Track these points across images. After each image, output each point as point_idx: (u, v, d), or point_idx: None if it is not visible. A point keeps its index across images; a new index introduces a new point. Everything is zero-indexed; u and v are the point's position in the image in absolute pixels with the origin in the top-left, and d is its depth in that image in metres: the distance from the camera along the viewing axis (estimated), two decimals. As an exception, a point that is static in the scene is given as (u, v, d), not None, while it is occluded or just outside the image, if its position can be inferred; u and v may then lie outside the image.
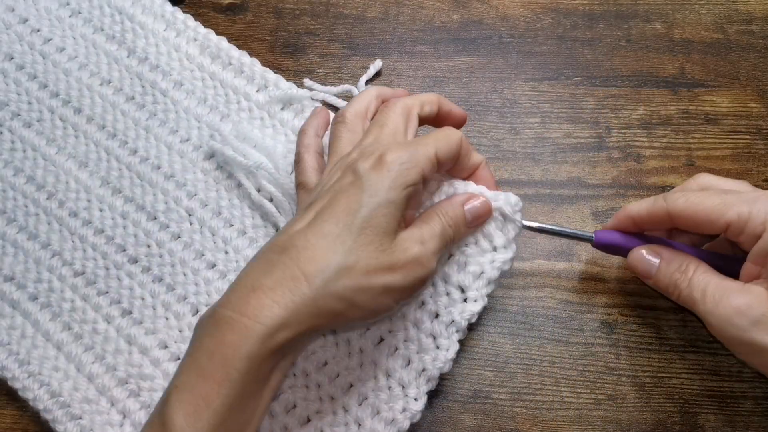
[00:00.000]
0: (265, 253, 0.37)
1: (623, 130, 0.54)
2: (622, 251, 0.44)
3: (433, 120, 0.44)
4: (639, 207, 0.42)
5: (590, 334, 0.47)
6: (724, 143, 0.53)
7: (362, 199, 0.36)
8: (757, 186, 0.51)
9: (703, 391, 0.46)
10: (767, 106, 0.54)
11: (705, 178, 0.43)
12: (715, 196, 0.39)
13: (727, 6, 0.58)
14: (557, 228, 0.44)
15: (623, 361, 0.47)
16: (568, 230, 0.45)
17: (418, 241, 0.37)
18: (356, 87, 0.53)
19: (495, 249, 0.42)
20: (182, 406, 0.34)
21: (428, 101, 0.43)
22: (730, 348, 0.40)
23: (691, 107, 0.54)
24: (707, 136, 0.53)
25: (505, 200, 0.42)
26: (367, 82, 0.54)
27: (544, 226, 0.44)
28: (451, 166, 0.42)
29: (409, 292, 0.38)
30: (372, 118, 0.43)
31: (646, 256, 0.42)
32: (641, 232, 0.44)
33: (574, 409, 0.46)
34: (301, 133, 0.45)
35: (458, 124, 0.45)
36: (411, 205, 0.39)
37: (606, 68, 0.56)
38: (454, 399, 0.46)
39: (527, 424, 0.45)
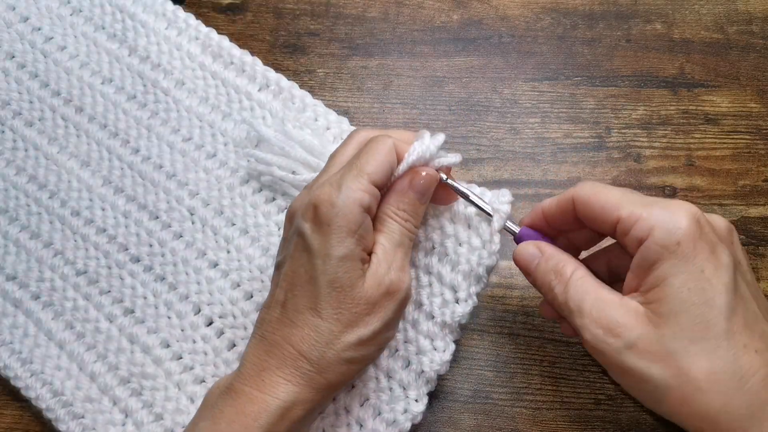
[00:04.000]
0: (261, 337, 0.38)
1: (623, 130, 0.54)
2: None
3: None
4: (551, 200, 0.41)
5: (590, 334, 0.48)
6: (724, 143, 0.53)
7: (317, 265, 0.36)
8: (756, 186, 0.52)
9: (701, 390, 0.46)
10: (767, 106, 0.54)
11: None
12: (618, 191, 0.37)
13: (727, 6, 0.58)
14: (476, 200, 0.41)
15: (622, 361, 0.47)
16: (482, 205, 0.42)
17: (385, 271, 0.38)
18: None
19: (484, 246, 0.42)
20: None
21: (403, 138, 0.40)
22: (602, 364, 0.38)
23: (691, 107, 0.54)
24: (707, 136, 0.54)
25: (495, 196, 0.42)
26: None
27: (470, 196, 0.41)
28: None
29: (398, 316, 0.39)
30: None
31: (530, 250, 0.40)
32: (555, 236, 0.42)
33: (574, 409, 0.46)
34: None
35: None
36: (366, 237, 0.38)
37: (606, 68, 0.56)
38: (454, 399, 0.46)
39: (527, 424, 0.45)
